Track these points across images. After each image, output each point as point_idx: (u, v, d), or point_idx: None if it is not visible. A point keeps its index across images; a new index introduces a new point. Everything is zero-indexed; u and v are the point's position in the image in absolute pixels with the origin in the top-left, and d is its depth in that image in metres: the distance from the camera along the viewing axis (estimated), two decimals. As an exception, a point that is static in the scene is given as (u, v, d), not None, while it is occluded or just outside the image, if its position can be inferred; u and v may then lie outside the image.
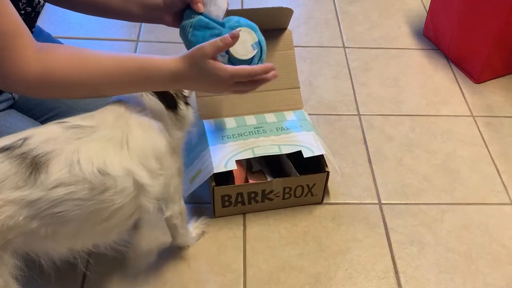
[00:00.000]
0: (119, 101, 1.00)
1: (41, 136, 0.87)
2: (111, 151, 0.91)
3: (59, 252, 0.96)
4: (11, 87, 0.91)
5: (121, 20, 1.18)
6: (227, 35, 0.95)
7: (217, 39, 0.94)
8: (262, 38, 1.09)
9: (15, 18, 0.84)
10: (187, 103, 1.10)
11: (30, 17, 1.04)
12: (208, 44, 0.94)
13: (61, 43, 1.30)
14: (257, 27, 1.09)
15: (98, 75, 0.92)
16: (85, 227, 0.93)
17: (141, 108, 1.00)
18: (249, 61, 1.06)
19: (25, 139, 0.85)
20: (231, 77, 0.96)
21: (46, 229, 0.87)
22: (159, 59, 0.95)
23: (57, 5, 1.14)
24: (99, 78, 0.92)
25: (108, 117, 0.96)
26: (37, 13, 1.07)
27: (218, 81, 0.96)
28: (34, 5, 1.03)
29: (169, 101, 1.05)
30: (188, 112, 1.10)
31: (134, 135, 0.95)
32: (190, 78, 0.96)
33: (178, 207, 1.13)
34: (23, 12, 1.01)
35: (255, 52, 1.05)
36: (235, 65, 1.00)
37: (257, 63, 1.08)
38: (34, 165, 0.83)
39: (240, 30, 0.98)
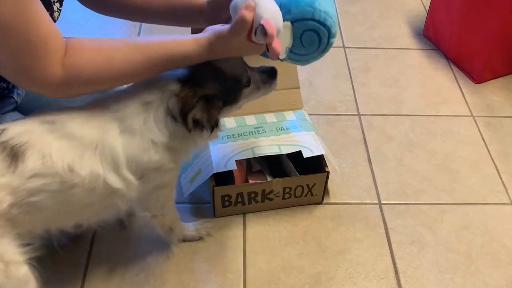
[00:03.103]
0: (116, 95, 0.97)
1: (18, 128, 0.90)
2: (80, 151, 0.91)
3: (37, 233, 0.98)
4: (38, 90, 0.90)
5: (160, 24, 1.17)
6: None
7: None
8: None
9: (48, 23, 0.85)
10: (212, 127, 1.00)
11: None
12: (232, 24, 0.92)
13: None
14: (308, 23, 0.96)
15: (125, 70, 0.92)
16: (58, 214, 0.96)
17: (134, 112, 0.95)
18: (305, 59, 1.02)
19: (3, 130, 0.89)
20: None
21: (24, 216, 0.91)
22: (183, 42, 0.93)
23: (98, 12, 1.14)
24: (125, 73, 0.92)
25: (85, 114, 0.94)
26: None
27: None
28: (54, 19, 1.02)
29: (182, 115, 0.96)
30: (203, 137, 1.02)
31: (109, 140, 0.93)
32: (216, 53, 0.94)
33: (161, 215, 1.13)
34: None
35: (316, 45, 0.99)
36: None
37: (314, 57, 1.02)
38: (13, 154, 0.87)
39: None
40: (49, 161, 0.89)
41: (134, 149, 0.95)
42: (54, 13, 1.01)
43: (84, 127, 0.93)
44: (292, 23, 0.96)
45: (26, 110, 1.16)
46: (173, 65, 0.95)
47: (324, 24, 0.96)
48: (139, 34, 1.92)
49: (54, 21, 1.03)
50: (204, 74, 0.97)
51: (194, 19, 1.11)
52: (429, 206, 1.44)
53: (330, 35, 0.99)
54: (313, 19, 0.95)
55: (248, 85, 1.04)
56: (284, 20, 0.94)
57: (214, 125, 1.00)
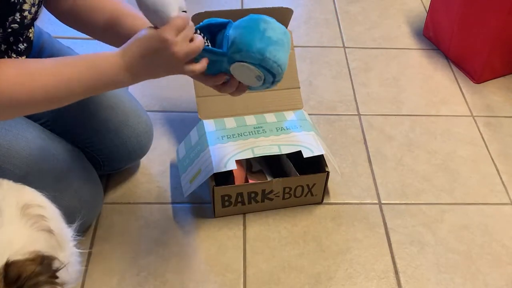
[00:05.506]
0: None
1: None
2: None
3: None
4: None
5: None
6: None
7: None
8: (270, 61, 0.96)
9: None
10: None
11: (15, 32, 0.99)
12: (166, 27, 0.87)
13: (61, 43, 1.30)
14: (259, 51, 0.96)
15: (49, 87, 0.87)
16: None
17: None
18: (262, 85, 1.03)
19: None
20: (174, 28, 0.87)
21: None
22: (107, 52, 0.90)
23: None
24: (52, 89, 0.88)
25: None
26: (27, 25, 1.04)
27: (165, 45, 0.87)
28: (23, 21, 0.98)
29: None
30: None
31: None
32: (142, 56, 0.89)
33: None
34: (9, 30, 0.96)
35: (260, 82, 1.01)
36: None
37: (271, 84, 1.03)
38: None
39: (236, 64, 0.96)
40: None
41: None
42: (9, 29, 0.97)
43: None
44: (240, 62, 0.98)
45: None
46: (95, 76, 0.89)
47: (270, 71, 0.98)
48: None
49: (25, 22, 0.99)
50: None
51: None
52: (429, 206, 1.44)
53: (275, 78, 1.01)
54: (260, 65, 0.97)
55: None
56: (235, 61, 0.97)
57: None
